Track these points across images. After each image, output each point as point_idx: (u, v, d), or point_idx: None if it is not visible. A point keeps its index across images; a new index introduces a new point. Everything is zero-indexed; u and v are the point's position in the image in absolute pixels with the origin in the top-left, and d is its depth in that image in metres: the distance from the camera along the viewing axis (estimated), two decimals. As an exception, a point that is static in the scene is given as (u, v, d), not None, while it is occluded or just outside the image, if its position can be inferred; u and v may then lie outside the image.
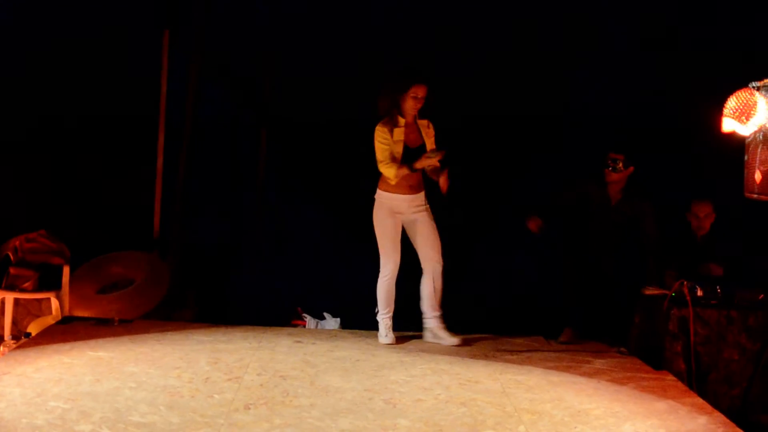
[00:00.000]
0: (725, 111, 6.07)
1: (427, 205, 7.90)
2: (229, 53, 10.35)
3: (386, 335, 7.84)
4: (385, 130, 7.66)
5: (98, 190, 9.77)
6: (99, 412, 5.42)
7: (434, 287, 7.87)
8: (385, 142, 7.65)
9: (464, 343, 7.85)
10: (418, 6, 9.83)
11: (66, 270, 8.41)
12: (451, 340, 7.84)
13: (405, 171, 7.64)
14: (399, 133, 7.68)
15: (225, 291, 10.27)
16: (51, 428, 5.11)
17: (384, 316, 7.86)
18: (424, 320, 7.99)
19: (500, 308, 9.41)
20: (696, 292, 7.42)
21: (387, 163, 7.65)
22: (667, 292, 7.59)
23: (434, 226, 7.90)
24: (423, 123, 7.82)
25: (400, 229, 7.88)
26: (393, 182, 7.70)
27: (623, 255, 8.46)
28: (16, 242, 8.55)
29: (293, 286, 9.93)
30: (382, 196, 7.83)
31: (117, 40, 9.61)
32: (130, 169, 9.93)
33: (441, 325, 7.92)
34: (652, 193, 8.45)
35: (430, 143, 7.79)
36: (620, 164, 8.18)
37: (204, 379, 6.26)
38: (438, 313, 7.92)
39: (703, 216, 8.36)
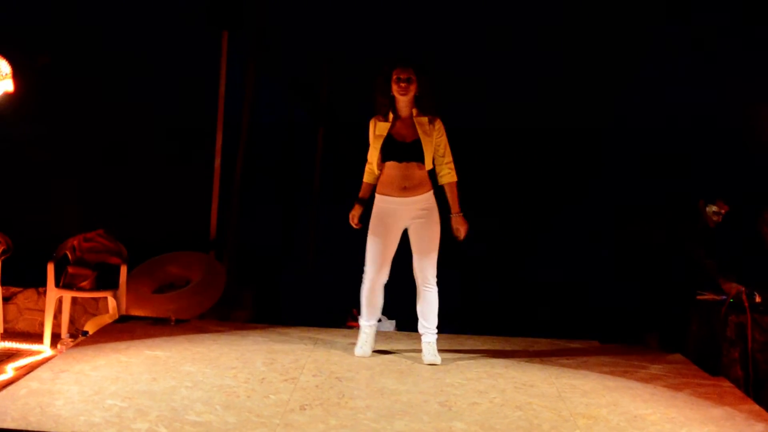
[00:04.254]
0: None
1: (432, 210, 7.05)
2: (287, 54, 10.40)
3: (360, 346, 7.27)
4: (370, 125, 7.11)
5: (156, 190, 9.84)
6: (155, 410, 5.46)
7: (421, 308, 7.15)
8: (369, 138, 7.12)
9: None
10: (475, 11, 9.82)
11: (123, 269, 8.48)
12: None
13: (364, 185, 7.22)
14: (383, 127, 7.02)
15: (281, 291, 10.32)
16: (108, 426, 5.16)
17: (363, 324, 7.31)
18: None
19: (557, 311, 9.41)
20: (754, 299, 7.34)
21: (368, 161, 7.15)
22: (721, 297, 7.53)
23: (432, 236, 7.04)
24: (423, 120, 7.00)
25: (393, 241, 7.08)
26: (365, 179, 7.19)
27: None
28: (74, 241, 8.64)
29: (349, 287, 9.94)
30: (375, 198, 7.16)
31: (176, 41, 9.69)
32: (187, 169, 10.00)
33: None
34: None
35: (429, 141, 6.94)
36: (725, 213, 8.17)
37: (260, 379, 6.29)
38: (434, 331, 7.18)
39: None
